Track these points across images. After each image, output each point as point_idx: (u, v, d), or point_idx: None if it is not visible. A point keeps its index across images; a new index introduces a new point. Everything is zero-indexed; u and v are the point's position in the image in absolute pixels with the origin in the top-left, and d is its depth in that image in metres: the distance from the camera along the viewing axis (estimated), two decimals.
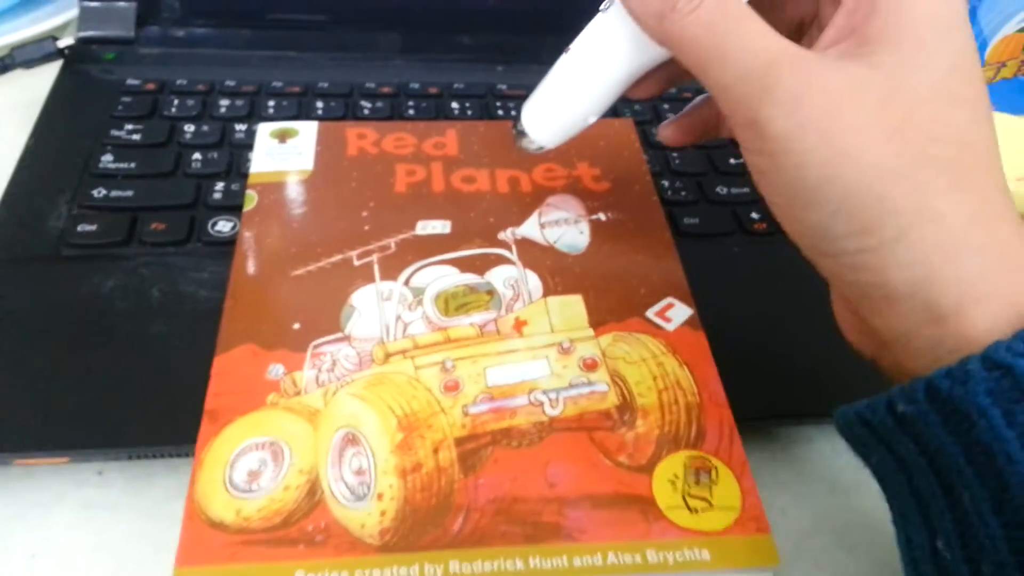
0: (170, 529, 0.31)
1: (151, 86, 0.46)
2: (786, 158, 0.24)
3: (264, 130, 0.40)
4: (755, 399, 0.34)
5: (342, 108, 0.46)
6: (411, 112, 0.47)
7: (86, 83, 0.46)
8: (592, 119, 0.31)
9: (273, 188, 0.37)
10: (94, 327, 0.33)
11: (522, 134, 0.32)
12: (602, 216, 0.37)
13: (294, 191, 0.37)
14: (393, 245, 0.35)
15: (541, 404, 0.30)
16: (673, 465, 0.29)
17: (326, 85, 0.47)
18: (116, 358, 0.33)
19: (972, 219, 0.23)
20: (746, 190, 0.43)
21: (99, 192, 0.39)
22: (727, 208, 0.42)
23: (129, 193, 0.39)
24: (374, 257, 0.35)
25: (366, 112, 0.46)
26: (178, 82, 0.46)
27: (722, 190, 0.43)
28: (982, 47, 0.55)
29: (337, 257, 0.35)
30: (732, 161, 0.45)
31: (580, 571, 0.26)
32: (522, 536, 0.27)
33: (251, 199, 0.37)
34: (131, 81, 0.46)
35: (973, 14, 0.53)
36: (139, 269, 0.36)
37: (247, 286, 0.33)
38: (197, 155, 0.42)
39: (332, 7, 0.51)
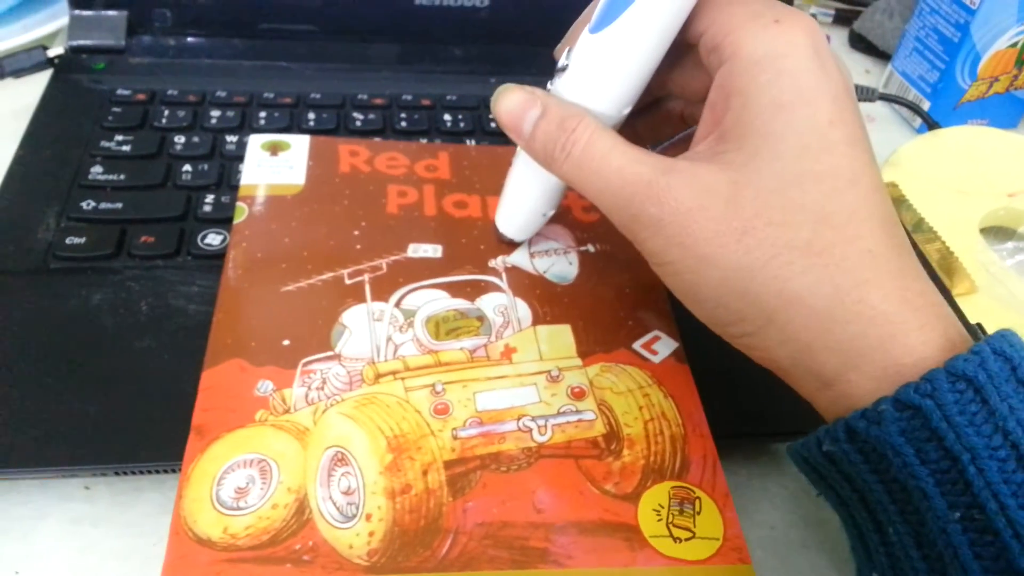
0: (157, 545, 0.31)
1: (141, 96, 0.45)
2: (663, 268, 0.27)
3: (255, 142, 0.40)
4: (745, 417, 0.34)
5: (334, 119, 0.46)
6: (403, 124, 0.47)
7: (76, 93, 0.46)
8: (550, 212, 0.35)
9: (264, 201, 0.37)
10: (82, 341, 0.33)
11: (498, 231, 0.36)
12: (591, 248, 0.38)
13: (285, 205, 0.37)
14: (385, 266, 0.35)
15: (530, 430, 0.30)
16: (658, 495, 0.29)
17: (318, 96, 0.47)
18: (103, 373, 0.32)
19: (835, 294, 0.24)
20: None
21: (88, 204, 0.39)
22: None
23: (118, 205, 0.39)
24: (366, 277, 0.35)
25: (358, 123, 0.46)
26: (169, 92, 0.46)
27: None
28: (974, 62, 0.55)
29: (328, 275, 0.34)
30: None
31: None
32: (509, 561, 0.27)
33: (241, 211, 0.37)
34: (121, 91, 0.46)
35: (965, 29, 0.53)
36: (128, 283, 0.35)
37: (236, 300, 0.33)
38: (187, 167, 0.41)
39: (324, 18, 0.51)
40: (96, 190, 0.40)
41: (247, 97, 0.47)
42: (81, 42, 0.49)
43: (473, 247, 0.37)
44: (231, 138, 0.44)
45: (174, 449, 0.29)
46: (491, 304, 0.35)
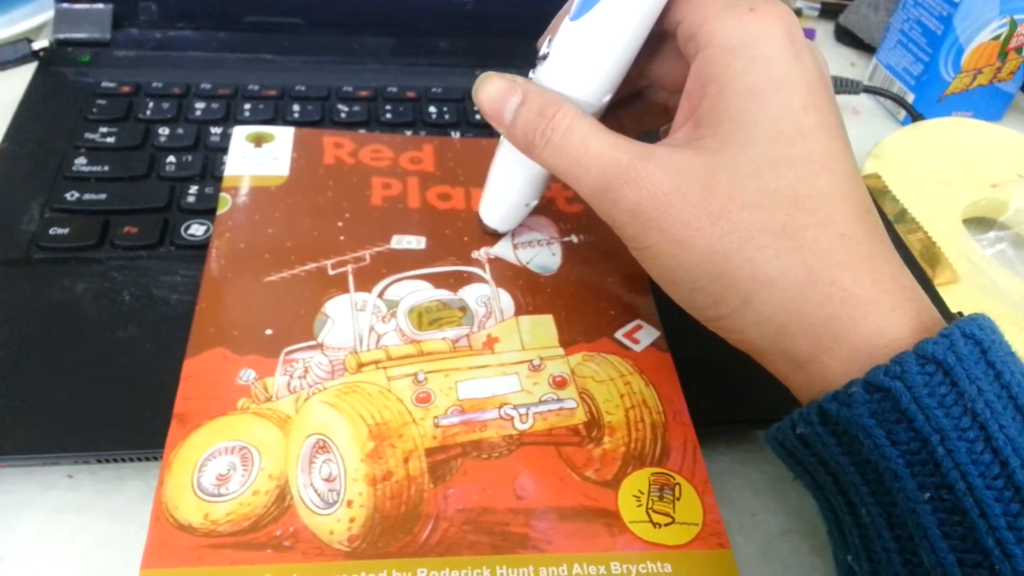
0: (139, 532, 0.31)
1: (126, 89, 0.45)
2: (642, 252, 0.28)
3: (240, 133, 0.40)
4: (726, 404, 0.34)
5: (319, 111, 0.46)
6: (388, 116, 0.47)
7: (61, 85, 0.46)
8: (533, 203, 0.35)
9: (247, 192, 0.37)
10: (65, 330, 0.33)
11: (482, 222, 0.37)
12: (574, 239, 0.38)
13: (269, 196, 0.37)
14: (368, 257, 0.35)
15: (511, 418, 0.31)
16: (638, 481, 0.30)
17: (303, 88, 0.47)
18: (87, 361, 0.32)
19: (808, 276, 0.25)
20: None
21: (72, 195, 0.39)
22: None
23: (102, 196, 0.39)
24: (349, 268, 0.35)
25: (343, 116, 0.46)
26: (153, 84, 0.46)
27: None
28: (958, 55, 0.55)
29: (311, 265, 0.35)
30: None
31: None
32: (490, 546, 0.27)
33: (225, 202, 0.37)
34: (106, 83, 0.46)
35: (948, 22, 0.54)
36: (111, 273, 0.36)
37: (219, 290, 0.33)
38: (171, 158, 0.41)
39: (309, 11, 0.51)
40: (80, 181, 0.40)
41: (232, 89, 0.47)
42: (66, 35, 0.49)
43: (457, 239, 0.37)
44: (215, 130, 0.44)
45: (157, 437, 0.29)
46: (474, 295, 0.35)
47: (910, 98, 0.58)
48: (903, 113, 0.59)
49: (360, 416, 0.30)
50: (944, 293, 0.42)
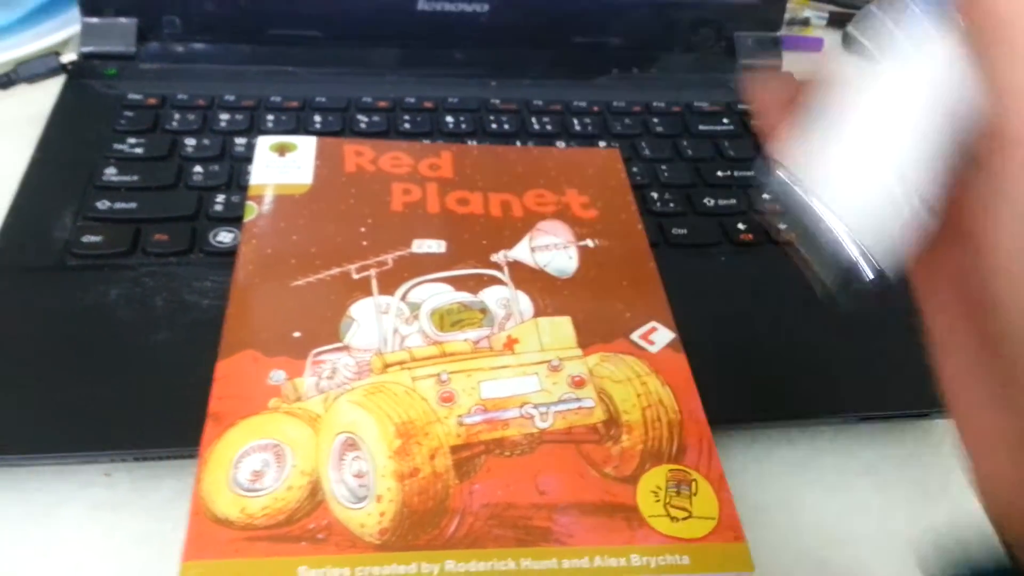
0: (176, 529, 0.32)
1: (152, 101, 0.47)
2: None
3: (264, 143, 0.41)
4: (740, 402, 0.35)
5: (339, 122, 0.47)
6: (407, 126, 0.48)
7: (89, 97, 0.47)
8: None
9: (272, 200, 0.38)
10: (101, 334, 0.35)
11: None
12: (590, 243, 0.39)
13: (293, 204, 0.38)
14: (390, 261, 0.37)
15: (532, 417, 0.32)
16: (656, 477, 0.30)
17: (323, 100, 0.49)
18: (123, 364, 0.34)
19: None
20: (733, 201, 0.45)
21: (103, 204, 0.40)
22: (714, 219, 0.44)
23: (132, 205, 0.40)
24: (372, 272, 0.36)
25: (363, 126, 0.47)
26: (179, 97, 0.47)
27: (709, 202, 0.45)
28: None
29: (336, 270, 0.36)
30: (719, 174, 0.47)
31: (569, 572, 0.28)
32: (514, 539, 0.28)
33: (251, 210, 0.38)
34: (133, 96, 0.47)
35: None
36: (143, 279, 0.37)
37: (247, 294, 0.34)
38: (198, 168, 0.43)
39: (328, 24, 0.52)
40: (111, 191, 0.41)
41: (255, 101, 0.48)
42: (93, 48, 0.50)
43: (476, 242, 0.38)
44: (240, 140, 0.45)
45: (191, 436, 0.30)
46: (494, 297, 0.36)
47: None
48: None
49: (387, 415, 0.31)
50: None
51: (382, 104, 0.49)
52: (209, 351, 0.33)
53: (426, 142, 0.46)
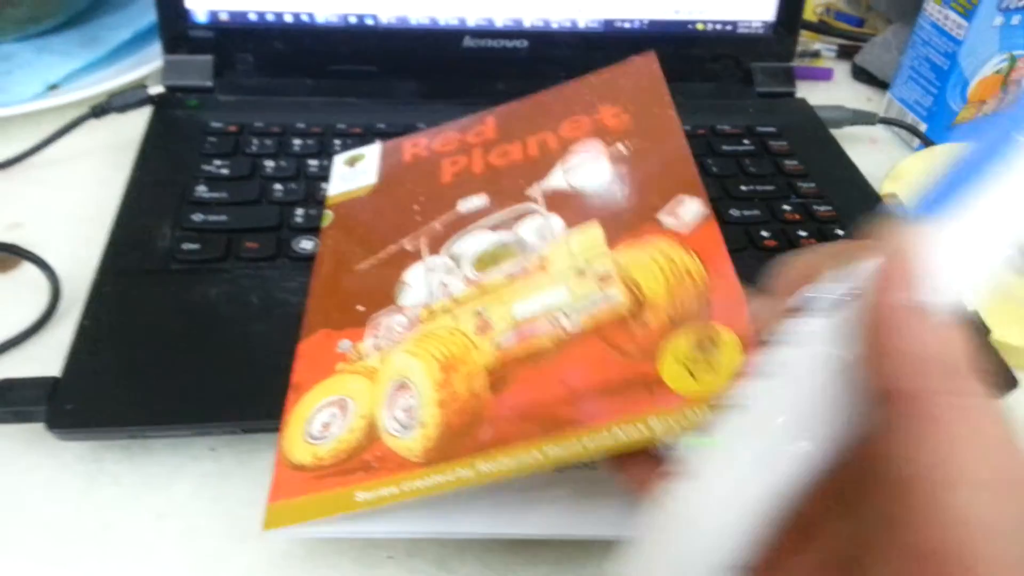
0: None
1: (233, 128, 0.52)
2: None
3: (339, 160, 0.46)
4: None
5: None
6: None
7: (175, 125, 0.53)
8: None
9: (345, 205, 0.43)
10: (206, 326, 0.39)
11: None
12: (621, 147, 0.39)
13: (361, 204, 0.43)
14: (438, 226, 0.40)
15: (560, 323, 0.33)
16: (679, 341, 0.30)
17: (383, 126, 0.54)
18: (225, 351, 0.39)
19: None
20: (756, 212, 0.50)
21: (198, 217, 0.45)
22: (740, 227, 0.48)
23: (224, 218, 0.45)
24: (422, 240, 0.40)
25: None
26: (256, 124, 0.53)
27: (735, 213, 0.49)
28: (964, 87, 0.61)
29: (393, 248, 0.40)
30: (743, 188, 0.51)
31: (592, 451, 0.28)
32: (539, 431, 0.30)
33: (327, 217, 0.43)
34: (215, 124, 0.52)
35: (954, 58, 0.60)
36: (238, 280, 0.42)
37: (323, 285, 0.40)
38: (278, 185, 0.48)
39: (384, 60, 0.58)
40: (203, 205, 0.46)
41: (323, 128, 0.53)
42: (175, 82, 0.56)
43: (514, 186, 0.40)
44: (312, 162, 0.50)
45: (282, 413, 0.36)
46: (529, 228, 0.37)
47: (923, 128, 0.64)
48: (917, 142, 0.64)
49: (432, 355, 0.34)
50: None
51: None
52: (296, 339, 0.38)
53: (471, 115, 0.47)
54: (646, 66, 0.43)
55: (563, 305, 0.33)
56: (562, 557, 0.35)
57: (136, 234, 0.44)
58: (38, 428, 0.35)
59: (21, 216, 0.50)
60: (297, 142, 0.52)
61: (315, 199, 0.47)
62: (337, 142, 0.52)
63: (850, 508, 0.23)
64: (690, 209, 0.34)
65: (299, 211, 0.46)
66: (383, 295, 0.38)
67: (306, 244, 0.44)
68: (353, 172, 0.45)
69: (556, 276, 0.35)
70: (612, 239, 0.35)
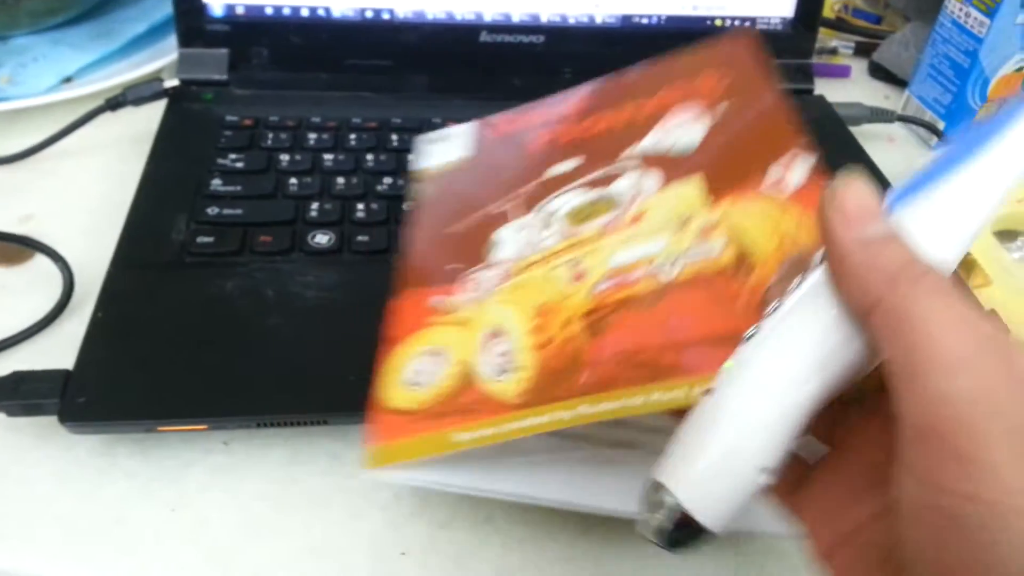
0: (290, 489, 0.36)
1: (248, 122, 0.52)
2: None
3: (426, 138, 0.46)
4: None
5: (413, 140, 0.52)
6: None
7: (190, 118, 0.52)
8: (771, 466, 0.23)
9: (435, 177, 0.43)
10: (221, 320, 0.39)
11: (664, 501, 0.23)
12: (720, 108, 0.38)
13: (452, 175, 0.43)
14: (532, 187, 0.39)
15: (660, 272, 0.32)
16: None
17: (399, 121, 0.54)
18: (242, 345, 0.38)
19: None
20: None
21: (213, 210, 0.45)
22: None
23: (239, 211, 0.45)
24: (515, 201, 0.39)
25: None
26: (271, 118, 0.52)
27: None
28: (984, 85, 0.61)
29: (484, 211, 0.39)
30: None
31: (697, 398, 0.26)
32: (641, 378, 0.29)
33: (414, 191, 0.43)
34: (230, 117, 0.52)
35: (974, 56, 0.59)
36: (253, 273, 0.42)
37: (412, 246, 0.39)
38: (293, 179, 0.48)
39: (399, 54, 0.58)
40: (218, 199, 0.46)
41: (338, 122, 0.53)
42: (189, 76, 0.55)
43: (609, 148, 0.39)
44: (328, 156, 0.50)
45: (300, 406, 0.36)
46: (625, 184, 0.37)
47: (942, 126, 0.63)
48: (935, 140, 0.64)
49: (526, 303, 0.34)
50: (978, 294, 0.46)
51: (451, 123, 0.54)
52: (315, 335, 0.38)
53: (561, 92, 0.46)
54: (743, 38, 0.42)
55: (662, 254, 0.33)
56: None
57: (150, 227, 0.44)
58: (50, 421, 0.35)
59: (33, 208, 0.50)
60: (312, 136, 0.51)
61: (330, 194, 0.47)
62: (352, 136, 0.52)
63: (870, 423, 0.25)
64: (799, 167, 0.33)
65: (314, 205, 0.46)
66: (475, 254, 0.38)
67: (321, 238, 0.44)
68: (443, 148, 0.45)
69: (655, 227, 0.34)
70: (713, 193, 0.34)
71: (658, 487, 0.23)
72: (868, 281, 0.21)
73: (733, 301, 0.30)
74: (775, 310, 0.24)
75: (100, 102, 0.53)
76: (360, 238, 0.44)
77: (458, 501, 0.37)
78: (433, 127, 0.54)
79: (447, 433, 0.31)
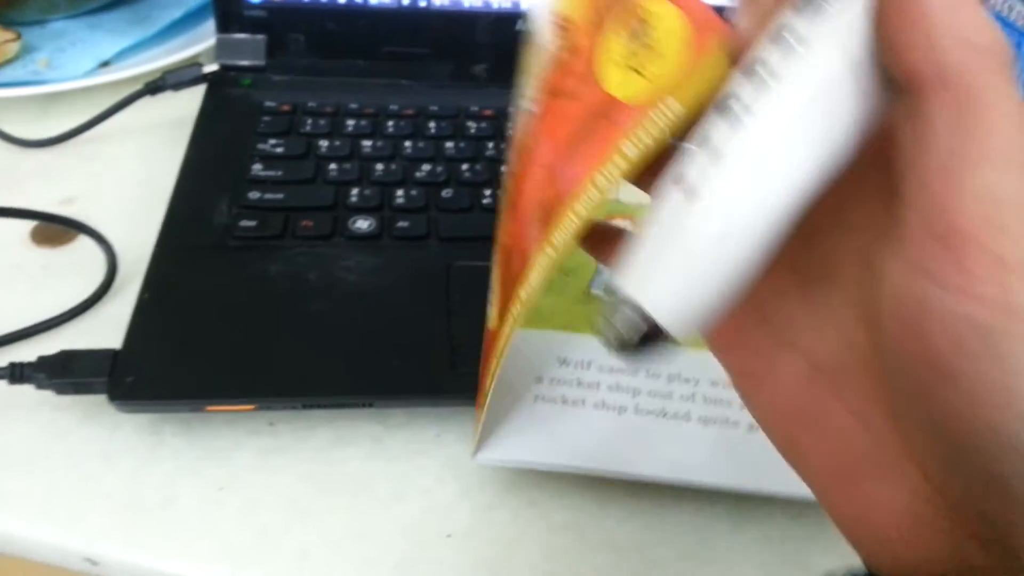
0: (332, 470, 0.37)
1: (287, 107, 0.52)
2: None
3: None
4: None
5: (451, 128, 0.52)
6: (511, 132, 0.53)
7: (229, 104, 0.53)
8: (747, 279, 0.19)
9: None
10: (266, 303, 0.39)
11: (626, 312, 0.20)
12: None
13: None
14: None
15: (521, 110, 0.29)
16: (609, 42, 0.24)
17: (436, 108, 0.54)
18: (286, 327, 0.38)
19: None
20: None
21: (254, 195, 0.45)
22: None
23: (280, 196, 0.45)
24: None
25: (472, 131, 0.52)
26: (309, 104, 0.53)
27: None
28: None
29: None
30: None
31: (588, 217, 0.23)
32: (545, 231, 0.25)
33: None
34: (268, 103, 0.52)
35: (1019, 49, 0.59)
36: (296, 258, 0.42)
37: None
38: (333, 165, 0.48)
39: (436, 42, 0.58)
40: (259, 183, 0.46)
41: (376, 109, 0.53)
42: (227, 61, 0.56)
43: None
44: (366, 142, 0.50)
45: (345, 388, 0.36)
46: None
47: None
48: None
49: None
50: None
51: (487, 112, 0.54)
52: (358, 319, 0.38)
53: None
54: None
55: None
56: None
57: (193, 210, 0.44)
58: (96, 400, 0.36)
59: (74, 191, 0.50)
60: (351, 123, 0.52)
61: (369, 180, 0.47)
62: (390, 123, 0.52)
63: (861, 209, 0.22)
64: None
65: (354, 191, 0.46)
66: None
67: (362, 224, 0.44)
68: None
69: None
70: None
71: (619, 297, 0.20)
72: (941, 45, 0.17)
73: (572, 86, 0.25)
74: (762, 67, 0.19)
75: (138, 86, 0.54)
76: (400, 224, 0.44)
77: (502, 485, 0.37)
78: (470, 116, 0.54)
79: None
